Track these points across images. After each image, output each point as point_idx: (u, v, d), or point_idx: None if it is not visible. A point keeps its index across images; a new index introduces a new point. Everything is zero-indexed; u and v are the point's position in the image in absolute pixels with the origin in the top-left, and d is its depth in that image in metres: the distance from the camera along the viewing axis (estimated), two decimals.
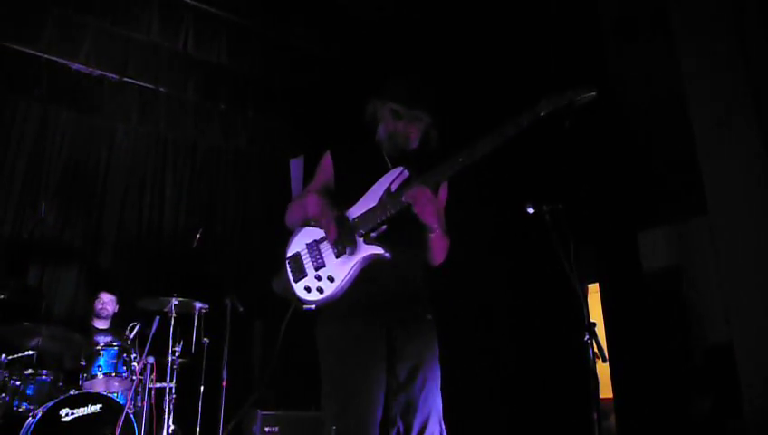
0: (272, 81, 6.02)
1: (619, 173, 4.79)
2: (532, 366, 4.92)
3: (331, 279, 2.10)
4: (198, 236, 4.78)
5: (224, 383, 4.43)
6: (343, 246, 2.10)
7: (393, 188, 2.19)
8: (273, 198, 6.21)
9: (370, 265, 2.12)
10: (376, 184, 2.21)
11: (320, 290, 2.10)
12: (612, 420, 4.93)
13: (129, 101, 5.78)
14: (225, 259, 5.63)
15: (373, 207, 2.16)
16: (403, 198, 2.11)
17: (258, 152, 6.40)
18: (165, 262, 5.33)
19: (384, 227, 2.14)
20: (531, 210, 2.84)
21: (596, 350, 2.69)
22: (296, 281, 2.13)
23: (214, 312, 4.67)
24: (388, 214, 2.13)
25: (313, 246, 2.17)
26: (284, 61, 5.84)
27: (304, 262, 2.15)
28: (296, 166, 6.40)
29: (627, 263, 4.73)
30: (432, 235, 2.19)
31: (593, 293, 5.00)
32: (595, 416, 2.63)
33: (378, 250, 2.11)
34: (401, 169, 2.22)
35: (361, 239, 2.13)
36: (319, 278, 2.11)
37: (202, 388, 4.46)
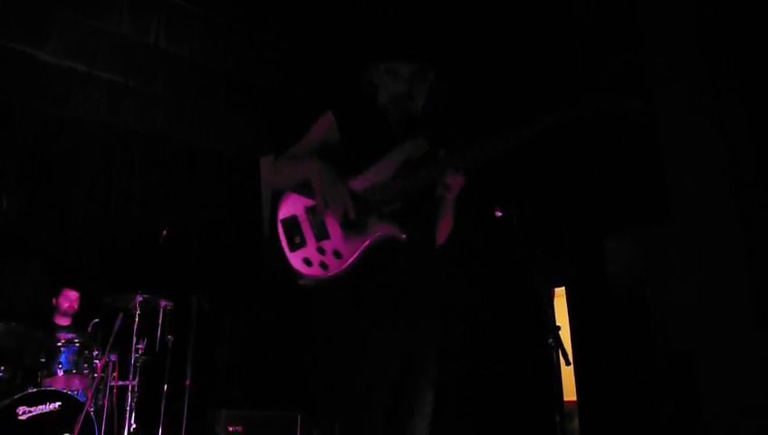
0: (243, 77, 5.97)
1: (586, 178, 4.86)
2: (496, 368, 4.96)
3: (337, 254, 1.82)
4: (165, 232, 4.72)
5: (187, 382, 4.38)
6: (354, 221, 1.83)
7: (413, 160, 1.94)
8: (243, 196, 6.15)
9: (380, 245, 1.87)
10: (390, 154, 1.95)
11: (323, 265, 1.81)
12: (576, 423, 5.01)
13: (97, 94, 5.67)
14: (192, 257, 5.56)
15: (389, 178, 1.91)
16: (448, 180, 1.89)
17: (228, 149, 6.34)
18: (130, 258, 5.23)
19: (398, 203, 1.90)
20: (498, 214, 2.86)
21: (560, 353, 2.72)
22: (293, 250, 1.83)
23: (179, 309, 4.61)
24: (408, 188, 1.90)
25: (314, 213, 1.88)
26: (257, 57, 5.80)
27: (303, 229, 1.86)
28: (266, 164, 6.34)
29: (592, 267, 4.81)
30: (447, 216, 2.05)
31: (560, 296, 5.08)
32: (558, 419, 2.66)
33: (393, 229, 1.87)
34: (421, 140, 1.98)
35: (374, 214, 1.88)
36: (322, 251, 1.83)
37: (165, 387, 4.39)
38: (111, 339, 3.95)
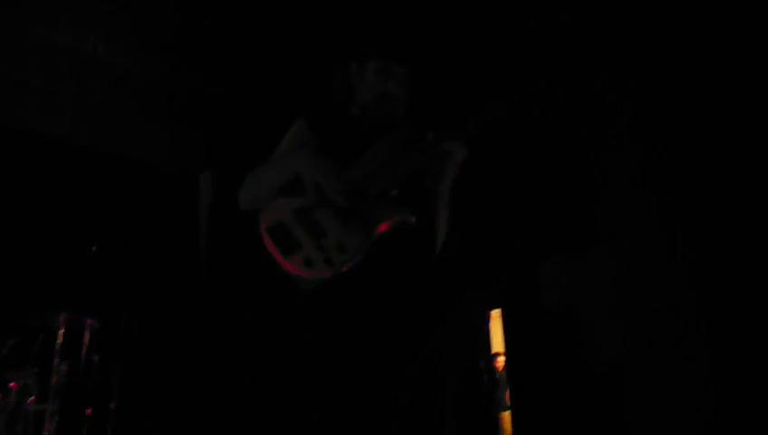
0: (183, 91, 5.86)
1: (522, 202, 4.94)
2: (427, 391, 4.95)
3: (340, 248, 1.64)
4: (95, 248, 4.56)
5: (112, 406, 4.20)
6: (355, 208, 1.67)
7: (400, 147, 1.84)
8: (180, 214, 5.99)
9: (389, 233, 1.71)
10: (379, 145, 1.85)
11: (328, 262, 1.62)
12: None
13: (29, 102, 5.45)
14: (123, 274, 5.37)
15: (380, 165, 1.79)
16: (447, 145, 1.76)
17: (165, 163, 6.18)
18: (55, 274, 5.01)
19: (396, 191, 1.78)
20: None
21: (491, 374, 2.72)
22: (287, 255, 1.65)
23: (107, 328, 4.43)
24: (404, 173, 1.77)
25: (305, 213, 1.71)
26: (197, 71, 5.71)
27: (295, 232, 1.68)
28: (206, 182, 6.22)
29: (527, 291, 4.88)
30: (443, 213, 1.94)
31: (496, 318, 5.14)
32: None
33: (402, 213, 1.71)
34: (409, 127, 1.92)
35: (374, 200, 1.72)
36: (323, 249, 1.64)
37: (88, 411, 4.19)
38: (31, 360, 3.75)
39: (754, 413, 3.30)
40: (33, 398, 3.93)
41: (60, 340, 4.11)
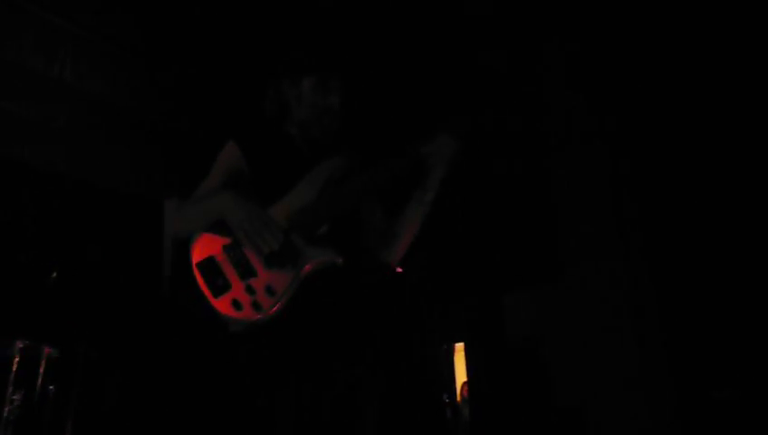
0: (149, 117, 5.83)
1: (486, 236, 5.03)
2: (391, 425, 4.93)
3: (269, 291, 1.66)
4: (54, 274, 4.45)
5: None
6: (282, 252, 1.67)
7: (334, 179, 1.82)
8: (143, 241, 5.91)
9: (317, 273, 1.72)
10: (308, 177, 1.83)
11: (256, 306, 1.63)
12: None
13: None
14: (81, 302, 5.25)
15: (312, 202, 1.77)
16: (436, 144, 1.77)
17: (131, 190, 6.11)
18: (12, 300, 4.87)
19: (325, 227, 1.76)
20: (399, 270, 2.91)
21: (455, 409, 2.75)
22: (217, 295, 1.65)
23: (64, 357, 4.31)
24: (336, 210, 1.78)
25: (235, 249, 1.71)
26: (163, 97, 5.70)
27: (224, 270, 1.68)
28: (171, 208, 6.16)
29: (491, 324, 4.94)
30: (422, 211, 1.92)
31: (459, 352, 5.16)
32: None
33: (327, 255, 1.72)
34: (339, 158, 1.88)
35: (302, 242, 1.72)
36: (251, 291, 1.65)
37: None
38: None
39: None
40: None
41: (14, 368, 3.97)
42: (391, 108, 4.82)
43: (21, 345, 4.01)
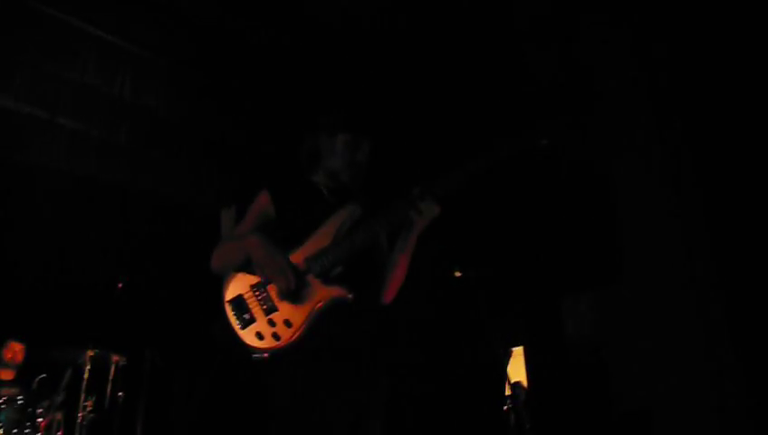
0: (206, 130, 5.99)
1: (545, 240, 4.96)
2: (453, 429, 4.91)
3: (287, 323, 1.93)
4: (121, 284, 4.61)
5: None
6: (298, 290, 1.94)
7: (348, 226, 2.06)
8: (203, 249, 6.07)
9: (329, 308, 1.97)
10: (327, 222, 2.07)
11: (275, 336, 1.92)
12: None
13: (58, 142, 5.59)
14: (147, 310, 5.42)
15: (327, 246, 2.02)
16: (418, 206, 2.01)
17: (189, 201, 6.28)
18: (82, 310, 5.07)
19: (340, 268, 2.01)
20: (457, 273, 2.90)
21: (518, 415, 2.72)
22: (244, 327, 1.94)
23: (132, 364, 4.46)
24: (346, 253, 2.01)
25: (260, 288, 1.99)
26: (220, 111, 5.85)
27: (251, 306, 1.97)
28: (227, 216, 6.30)
29: (550, 327, 4.86)
30: (403, 261, 2.14)
31: (518, 356, 5.10)
32: None
33: (339, 291, 1.97)
34: (354, 206, 2.11)
35: (318, 281, 1.98)
36: (272, 323, 1.93)
37: None
38: (58, 396, 3.79)
39: None
40: (60, 432, 3.96)
41: (86, 376, 4.13)
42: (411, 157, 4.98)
43: (91, 354, 4.16)
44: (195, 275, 5.75)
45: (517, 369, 5.03)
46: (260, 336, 1.93)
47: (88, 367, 4.16)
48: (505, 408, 2.73)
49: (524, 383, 4.73)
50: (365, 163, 2.22)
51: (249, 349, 1.93)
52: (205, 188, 6.31)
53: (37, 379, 4.22)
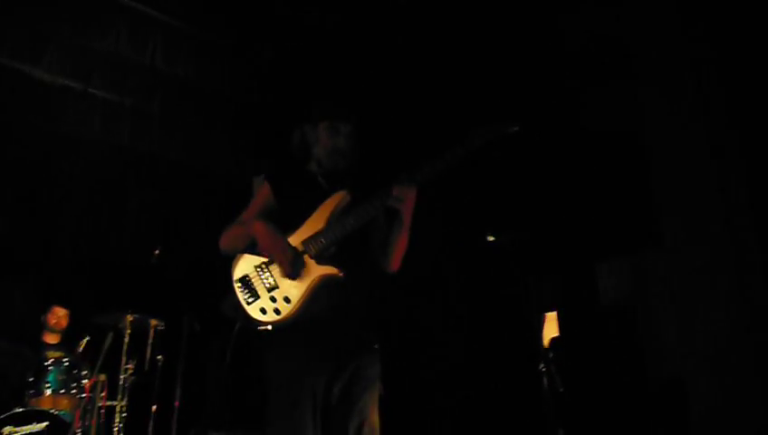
0: (238, 98, 6.01)
1: (580, 204, 4.89)
2: (486, 392, 4.93)
3: (287, 300, 2.17)
4: (157, 251, 4.70)
5: (176, 403, 4.33)
6: (296, 269, 2.18)
7: (339, 211, 2.29)
8: (236, 216, 6.15)
9: (323, 285, 2.20)
10: (320, 207, 2.30)
11: (276, 311, 2.16)
12: None
13: (92, 112, 5.67)
14: (183, 276, 5.53)
15: (321, 230, 2.25)
16: (394, 192, 2.22)
17: (222, 169, 6.34)
18: (121, 277, 5.20)
19: (333, 249, 2.24)
20: (490, 238, 2.88)
21: (552, 379, 2.71)
22: (250, 303, 2.18)
23: (170, 329, 4.57)
24: (337, 236, 2.23)
25: (263, 268, 2.23)
26: (251, 78, 5.84)
27: (255, 284, 2.21)
28: (259, 185, 6.34)
29: (584, 293, 4.81)
30: (401, 236, 2.31)
31: (551, 321, 5.08)
32: None
33: (331, 270, 2.21)
34: (344, 192, 2.31)
35: (313, 261, 2.21)
36: (274, 300, 2.17)
37: (154, 407, 4.34)
38: (100, 358, 3.91)
39: None
40: (104, 394, 4.11)
41: (126, 340, 4.25)
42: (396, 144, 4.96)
43: (131, 318, 4.28)
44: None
45: (551, 334, 5.03)
46: (263, 311, 2.16)
47: (128, 331, 4.28)
48: (540, 368, 2.73)
49: (557, 347, 4.73)
50: (347, 148, 2.39)
51: (255, 322, 2.17)
52: (237, 156, 6.36)
53: (81, 342, 4.36)
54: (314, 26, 5.46)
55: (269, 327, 2.18)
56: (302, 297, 2.17)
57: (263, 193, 2.44)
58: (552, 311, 5.03)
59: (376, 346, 2.29)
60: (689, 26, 4.17)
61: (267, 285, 2.19)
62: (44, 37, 5.18)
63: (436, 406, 4.92)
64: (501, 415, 4.81)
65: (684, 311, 3.95)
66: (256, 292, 2.19)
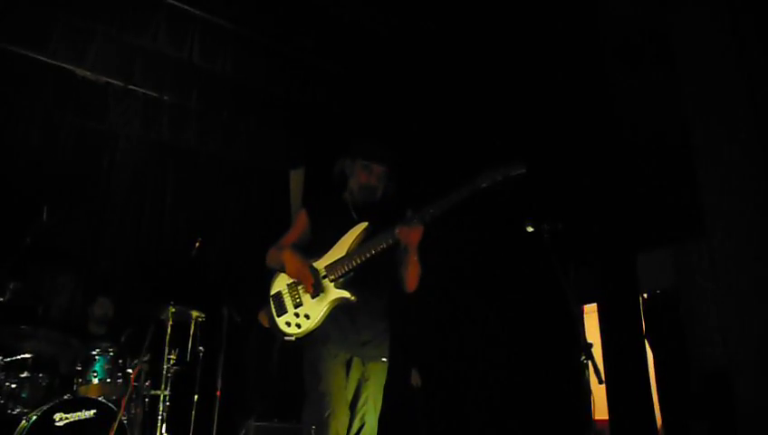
0: (275, 92, 6.05)
1: (620, 194, 4.80)
2: (527, 386, 4.90)
3: (307, 317, 2.58)
4: (198, 244, 4.77)
5: (218, 393, 4.41)
6: (317, 293, 2.57)
7: (360, 240, 2.63)
8: (274, 209, 6.21)
9: (340, 306, 2.59)
10: (344, 236, 2.66)
11: (298, 326, 2.58)
12: None
13: (132, 108, 5.79)
14: (223, 268, 5.63)
15: (342, 257, 2.61)
16: (398, 233, 2.52)
17: (260, 163, 6.42)
18: (163, 269, 5.31)
19: (352, 273, 2.60)
20: (530, 229, 2.85)
21: (592, 371, 2.68)
22: (279, 316, 2.62)
23: (210, 320, 4.65)
24: (356, 263, 2.58)
25: (293, 287, 2.65)
26: (288, 73, 5.87)
27: (285, 301, 2.63)
28: (296, 178, 6.41)
29: (625, 284, 4.73)
30: (409, 266, 2.63)
31: (589, 313, 5.01)
32: None
33: (345, 294, 2.58)
34: (366, 224, 2.66)
35: (332, 284, 2.59)
36: (297, 316, 2.59)
37: (196, 396, 4.43)
38: (144, 348, 4.01)
39: None
40: (148, 383, 4.21)
41: (169, 331, 4.34)
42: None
43: (173, 310, 4.35)
44: (265, 235, 5.92)
45: (588, 326, 4.97)
46: (288, 324, 2.59)
47: (170, 323, 4.36)
48: (582, 359, 2.70)
49: (595, 342, 4.66)
50: (377, 186, 2.76)
51: (282, 333, 2.60)
52: (274, 150, 6.43)
53: (125, 332, 4.47)
54: (354, 21, 5.46)
55: (293, 338, 2.60)
56: (319, 316, 2.56)
57: (301, 221, 2.84)
58: (590, 303, 4.97)
59: (384, 359, 2.67)
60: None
61: (294, 302, 2.62)
62: (88, 35, 5.30)
63: (475, 399, 4.91)
64: (541, 407, 4.78)
65: (726, 302, 3.85)
66: (285, 307, 2.62)
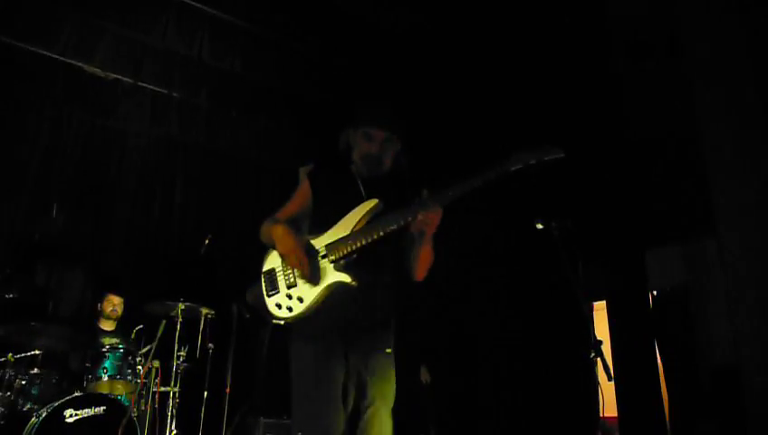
0: (284, 89, 6.06)
1: (629, 191, 4.78)
2: (535, 383, 4.89)
3: (300, 300, 2.26)
4: (207, 241, 4.79)
5: (227, 390, 4.43)
6: (313, 279, 2.24)
7: (367, 219, 2.30)
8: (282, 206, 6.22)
9: (338, 290, 2.26)
10: (349, 214, 2.32)
11: (289, 308, 2.26)
12: None
13: (142, 105, 5.81)
14: (233, 265, 5.64)
15: (345, 236, 2.28)
16: (419, 216, 2.20)
17: (269, 159, 6.43)
18: (173, 266, 5.33)
19: (354, 255, 2.27)
20: (539, 226, 2.85)
21: (602, 368, 2.68)
22: (269, 296, 2.30)
23: (220, 318, 4.67)
24: (360, 244, 2.25)
25: (287, 267, 2.31)
26: (297, 70, 5.88)
27: (278, 279, 2.31)
28: (305, 174, 6.39)
29: (634, 281, 4.71)
30: (423, 252, 2.31)
31: (598, 310, 4.99)
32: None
33: (345, 278, 2.24)
34: (376, 201, 2.32)
35: (331, 266, 2.26)
36: (290, 297, 2.27)
37: (205, 393, 4.45)
38: (154, 345, 4.03)
39: None
40: (158, 380, 4.23)
41: (178, 328, 4.36)
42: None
43: (183, 307, 4.37)
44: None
45: (597, 323, 4.95)
46: (278, 306, 2.27)
47: (180, 319, 4.38)
48: (591, 356, 2.69)
49: (605, 339, 4.64)
50: (380, 155, 2.40)
51: (270, 315, 2.28)
52: (283, 147, 6.43)
53: (135, 329, 4.49)
54: (361, 17, 5.46)
55: (281, 322, 2.29)
56: (313, 300, 2.24)
57: (302, 191, 2.50)
58: (598, 300, 4.95)
59: (388, 350, 2.34)
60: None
61: (287, 283, 2.29)
62: (97, 32, 5.32)
63: (486, 395, 4.91)
64: (551, 404, 4.77)
65: (736, 299, 3.82)
66: (277, 286, 2.30)
